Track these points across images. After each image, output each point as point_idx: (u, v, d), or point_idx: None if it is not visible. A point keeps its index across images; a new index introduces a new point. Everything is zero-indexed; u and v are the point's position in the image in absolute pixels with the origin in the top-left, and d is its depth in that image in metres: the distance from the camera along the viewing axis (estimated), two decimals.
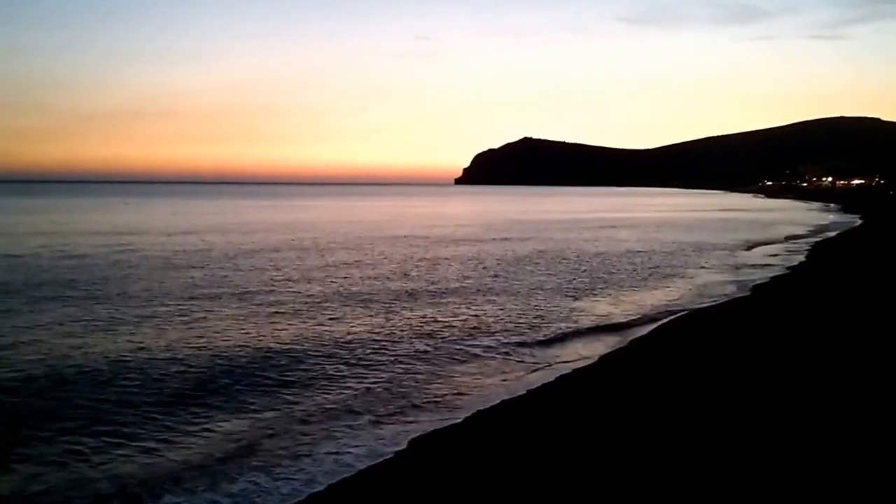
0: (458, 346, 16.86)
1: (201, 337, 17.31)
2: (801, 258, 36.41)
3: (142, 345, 16.42)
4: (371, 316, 20.45)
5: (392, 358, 15.72)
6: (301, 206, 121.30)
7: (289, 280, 27.40)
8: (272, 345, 16.66)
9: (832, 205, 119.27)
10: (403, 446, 10.63)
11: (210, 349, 16.10)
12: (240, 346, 16.47)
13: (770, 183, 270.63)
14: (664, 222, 72.77)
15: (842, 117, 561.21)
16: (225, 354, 15.66)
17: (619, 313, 21.44)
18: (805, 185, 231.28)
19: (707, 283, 28.17)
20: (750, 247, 43.74)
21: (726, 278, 29.48)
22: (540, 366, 15.47)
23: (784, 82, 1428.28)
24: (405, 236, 51.00)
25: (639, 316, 21.06)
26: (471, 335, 18.14)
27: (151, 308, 21.08)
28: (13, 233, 49.76)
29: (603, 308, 22.30)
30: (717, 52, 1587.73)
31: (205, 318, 19.70)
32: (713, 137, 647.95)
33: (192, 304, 21.64)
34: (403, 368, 14.94)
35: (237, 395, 12.99)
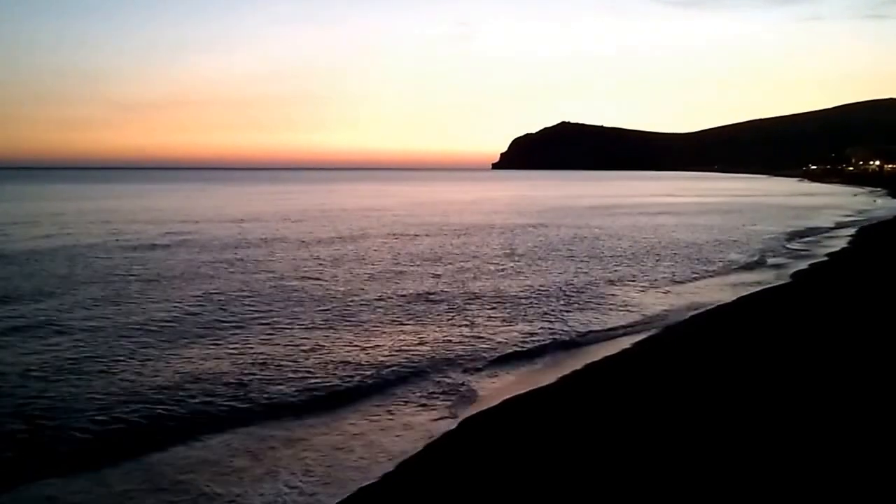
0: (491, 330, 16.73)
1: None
2: (844, 244, 35.52)
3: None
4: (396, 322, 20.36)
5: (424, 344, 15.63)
6: (342, 190, 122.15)
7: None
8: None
9: (879, 189, 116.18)
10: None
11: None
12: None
13: (814, 167, 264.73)
14: (706, 207, 71.51)
15: (889, 99, 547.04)
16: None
17: (653, 302, 21.10)
18: (851, 168, 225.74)
19: (745, 270, 27.62)
20: (792, 233, 42.80)
21: (766, 264, 28.89)
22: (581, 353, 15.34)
23: (829, 64, 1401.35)
24: (439, 225, 50.81)
25: (672, 306, 20.64)
26: (512, 320, 17.96)
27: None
28: (91, 221, 50.68)
29: (637, 296, 21.94)
30: (761, 33, 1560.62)
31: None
32: (756, 120, 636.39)
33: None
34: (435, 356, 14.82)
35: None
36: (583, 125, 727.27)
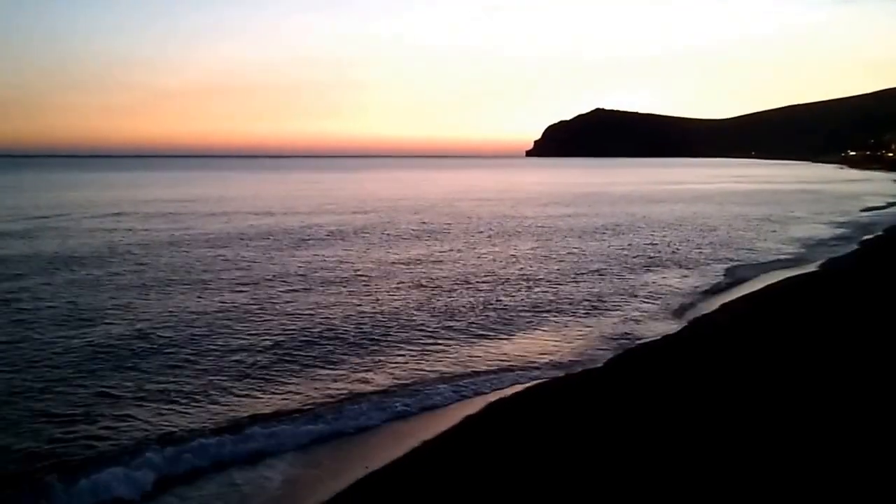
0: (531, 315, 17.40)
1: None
2: (881, 232, 35.47)
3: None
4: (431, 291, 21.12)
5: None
6: (387, 178, 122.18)
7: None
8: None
9: None
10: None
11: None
12: None
13: (854, 153, 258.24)
14: (742, 195, 70.82)
15: None
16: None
17: (688, 289, 21.50)
18: (891, 155, 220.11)
19: (779, 260, 27.81)
20: (830, 220, 42.71)
21: (802, 254, 29.10)
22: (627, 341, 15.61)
23: (868, 48, 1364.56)
24: (466, 215, 51.03)
25: (700, 298, 21.05)
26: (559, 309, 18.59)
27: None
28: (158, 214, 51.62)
29: (670, 284, 22.36)
30: (799, 17, 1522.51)
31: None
32: (794, 106, 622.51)
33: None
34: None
35: None
36: (618, 112, 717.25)
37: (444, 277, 22.78)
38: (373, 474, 9.12)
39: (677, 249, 29.69)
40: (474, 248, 29.75)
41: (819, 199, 63.39)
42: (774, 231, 37.17)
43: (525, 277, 22.85)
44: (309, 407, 11.45)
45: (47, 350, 14.22)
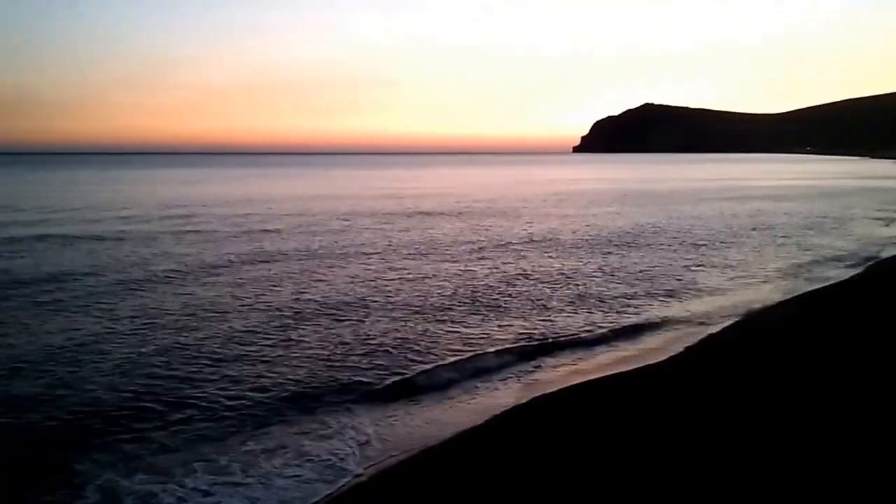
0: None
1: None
2: None
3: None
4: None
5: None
6: (447, 174, 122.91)
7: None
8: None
9: None
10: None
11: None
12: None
13: None
14: (797, 191, 68.87)
15: None
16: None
17: (737, 287, 20.56)
18: None
19: (827, 261, 26.58)
20: (888, 218, 40.92)
21: (860, 253, 27.81)
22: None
23: None
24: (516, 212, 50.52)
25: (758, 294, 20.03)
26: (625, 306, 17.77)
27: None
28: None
29: (717, 281, 21.37)
30: (857, 6, 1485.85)
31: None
32: (851, 100, 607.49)
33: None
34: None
35: None
36: (667, 107, 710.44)
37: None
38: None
39: (728, 247, 28.44)
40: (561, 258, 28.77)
41: (882, 195, 61.20)
42: (835, 228, 35.70)
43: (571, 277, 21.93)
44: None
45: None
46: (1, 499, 8.34)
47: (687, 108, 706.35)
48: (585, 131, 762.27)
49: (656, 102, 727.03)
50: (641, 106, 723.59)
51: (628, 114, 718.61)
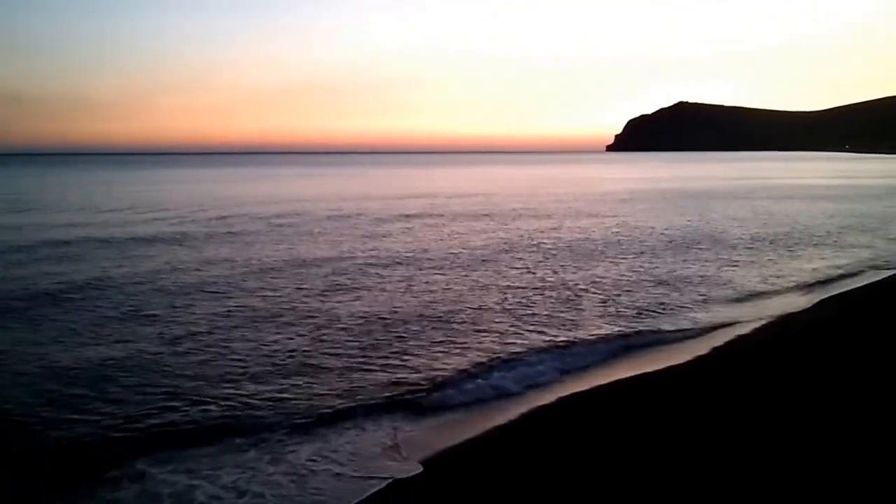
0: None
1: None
2: None
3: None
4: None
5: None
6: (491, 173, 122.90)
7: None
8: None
9: None
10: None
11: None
12: None
13: None
14: (835, 190, 67.64)
15: None
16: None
17: (773, 289, 20.25)
18: None
19: (865, 262, 26.09)
20: None
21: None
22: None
23: None
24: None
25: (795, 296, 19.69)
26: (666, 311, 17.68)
27: None
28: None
29: (750, 282, 21.09)
30: None
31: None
32: (891, 97, 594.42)
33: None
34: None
35: None
36: (701, 105, 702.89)
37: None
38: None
39: (763, 248, 28.08)
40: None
41: None
42: (877, 228, 35.00)
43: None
44: None
45: None
46: (42, 491, 8.55)
47: (722, 107, 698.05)
48: (619, 130, 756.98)
49: (691, 101, 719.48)
50: (676, 104, 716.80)
51: (662, 112, 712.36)
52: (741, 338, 14.87)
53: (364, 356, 13.48)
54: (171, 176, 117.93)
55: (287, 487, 8.58)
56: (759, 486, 7.78)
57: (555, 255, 26.06)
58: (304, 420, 10.46)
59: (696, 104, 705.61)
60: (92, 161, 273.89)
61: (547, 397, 11.57)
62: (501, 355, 13.64)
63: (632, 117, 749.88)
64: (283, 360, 13.26)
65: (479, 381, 12.24)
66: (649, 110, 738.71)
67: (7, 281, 20.63)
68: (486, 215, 41.69)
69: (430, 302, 18.00)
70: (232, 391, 11.59)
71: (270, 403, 11.07)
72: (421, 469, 9.03)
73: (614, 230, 33.98)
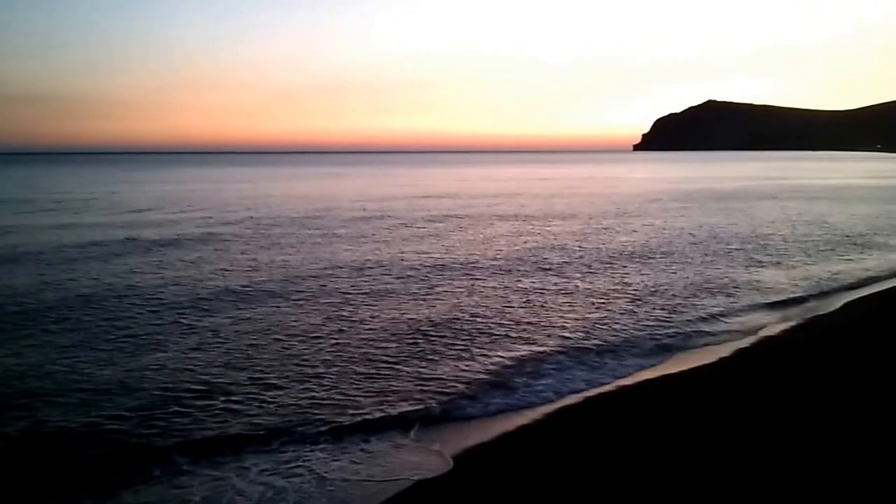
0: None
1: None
2: None
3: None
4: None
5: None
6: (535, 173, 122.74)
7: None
8: None
9: None
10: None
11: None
12: None
13: None
14: (869, 191, 66.66)
15: None
16: None
17: (799, 290, 20.09)
18: None
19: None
20: None
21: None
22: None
23: None
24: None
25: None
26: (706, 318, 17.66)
27: None
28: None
29: (778, 282, 20.92)
30: None
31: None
32: None
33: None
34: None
35: None
36: (730, 103, 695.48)
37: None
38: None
39: (787, 249, 27.80)
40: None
41: None
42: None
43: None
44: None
45: None
46: (75, 484, 8.79)
47: (751, 105, 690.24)
48: (646, 129, 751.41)
49: (719, 99, 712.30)
50: (704, 103, 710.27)
51: (691, 111, 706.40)
52: (768, 340, 14.80)
53: (393, 362, 13.46)
54: (193, 175, 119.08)
55: (311, 489, 8.73)
56: (788, 488, 7.76)
57: (581, 257, 25.96)
58: (330, 426, 10.51)
59: (724, 103, 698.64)
60: (112, 160, 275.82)
61: (574, 398, 11.60)
62: (532, 360, 13.61)
63: (659, 116, 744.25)
64: (313, 364, 13.32)
65: (508, 387, 12.16)
66: (677, 109, 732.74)
67: (40, 285, 20.61)
68: (514, 216, 41.63)
69: (462, 307, 17.89)
70: (261, 395, 11.73)
71: (298, 408, 11.17)
72: (447, 469, 9.13)
73: (641, 232, 33.81)
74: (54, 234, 32.30)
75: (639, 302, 18.40)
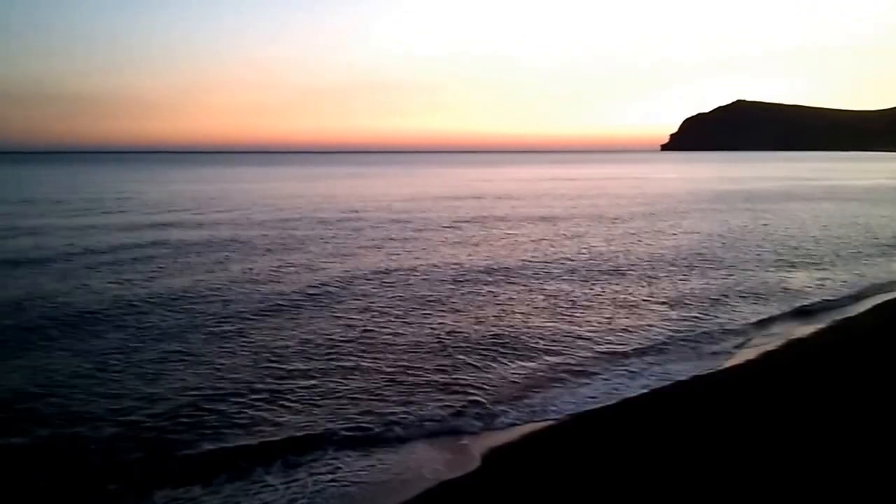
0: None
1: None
2: None
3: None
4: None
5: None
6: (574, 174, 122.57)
7: None
8: None
9: None
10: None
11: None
12: None
13: None
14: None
15: None
16: None
17: (826, 293, 19.90)
18: None
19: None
20: None
21: None
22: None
23: None
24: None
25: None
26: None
27: None
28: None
29: (807, 282, 20.73)
30: None
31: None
32: None
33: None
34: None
35: None
36: (761, 103, 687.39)
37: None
38: None
39: (817, 251, 27.57)
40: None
41: None
42: None
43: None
44: None
45: None
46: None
47: (781, 105, 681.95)
48: (675, 129, 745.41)
49: (749, 99, 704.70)
50: (733, 102, 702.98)
51: (720, 111, 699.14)
52: (796, 342, 14.70)
53: (426, 368, 13.34)
54: (216, 175, 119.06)
55: (338, 487, 8.87)
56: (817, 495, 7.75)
57: (608, 260, 25.94)
58: (359, 427, 10.59)
59: (754, 102, 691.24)
60: (141, 159, 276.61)
61: (606, 402, 11.58)
62: (564, 365, 13.59)
63: (688, 116, 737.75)
64: (343, 368, 13.35)
65: (540, 392, 12.10)
66: (706, 108, 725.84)
67: (77, 288, 20.23)
68: (543, 219, 41.50)
69: (493, 312, 17.70)
70: (290, 398, 11.88)
71: (326, 409, 11.25)
72: (475, 468, 9.22)
73: (668, 233, 33.69)
74: (88, 236, 32.53)
75: (669, 305, 18.31)
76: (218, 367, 13.38)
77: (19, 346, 14.53)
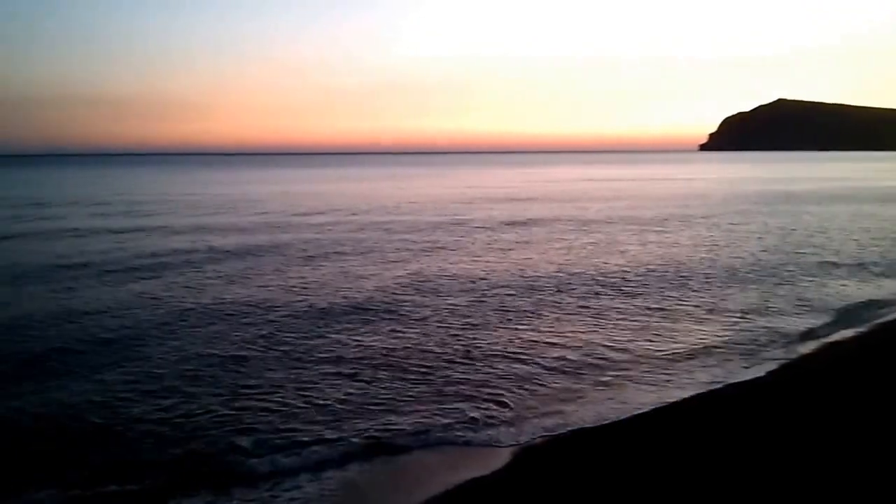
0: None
1: None
2: None
3: None
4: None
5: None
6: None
7: None
8: None
9: None
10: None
11: None
12: None
13: None
14: None
15: None
16: None
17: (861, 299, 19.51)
18: None
19: None
20: None
21: None
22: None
23: None
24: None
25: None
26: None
27: None
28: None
29: (847, 286, 20.38)
30: None
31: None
32: None
33: None
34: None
35: None
36: (803, 102, 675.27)
37: None
38: None
39: (860, 255, 27.11)
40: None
41: None
42: None
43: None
44: None
45: None
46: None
47: (824, 104, 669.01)
48: (714, 128, 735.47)
49: (791, 98, 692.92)
50: (775, 101, 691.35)
51: (760, 110, 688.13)
52: (833, 346, 14.51)
53: (470, 379, 12.95)
54: (255, 177, 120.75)
55: (368, 481, 9.09)
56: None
57: (648, 263, 25.88)
58: (392, 427, 10.65)
59: (796, 101, 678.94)
60: (178, 161, 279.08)
61: (642, 409, 11.40)
62: (598, 369, 13.51)
63: (728, 115, 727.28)
64: (376, 377, 13.31)
65: (575, 401, 11.94)
66: (747, 108, 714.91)
67: (138, 299, 19.41)
68: (585, 223, 41.35)
69: (524, 322, 17.58)
70: (321, 413, 11.88)
71: (355, 413, 11.23)
72: (505, 463, 9.30)
73: (707, 235, 33.48)
74: (136, 240, 32.45)
75: (708, 307, 18.11)
76: (256, 377, 13.15)
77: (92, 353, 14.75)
